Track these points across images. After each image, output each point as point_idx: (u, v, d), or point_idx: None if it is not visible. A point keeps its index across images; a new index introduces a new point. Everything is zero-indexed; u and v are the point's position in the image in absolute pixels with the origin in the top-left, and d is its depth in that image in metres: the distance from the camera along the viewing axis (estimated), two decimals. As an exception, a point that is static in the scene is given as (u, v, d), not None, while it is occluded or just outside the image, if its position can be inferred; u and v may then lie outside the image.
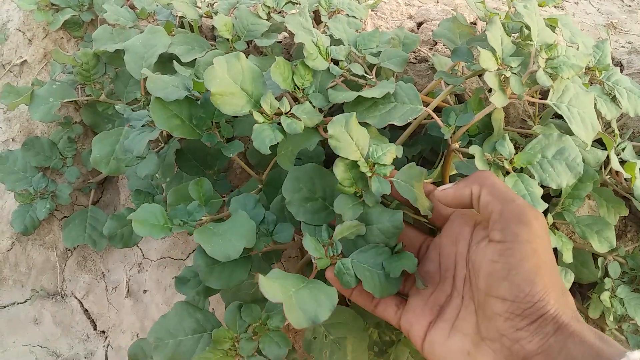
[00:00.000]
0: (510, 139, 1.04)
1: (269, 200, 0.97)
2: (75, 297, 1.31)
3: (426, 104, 0.99)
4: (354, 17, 1.17)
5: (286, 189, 0.82)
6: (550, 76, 0.78)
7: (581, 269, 1.02)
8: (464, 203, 0.68)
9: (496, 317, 0.57)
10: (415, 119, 0.86)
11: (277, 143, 0.81)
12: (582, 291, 1.11)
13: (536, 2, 0.84)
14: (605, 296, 0.94)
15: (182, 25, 1.30)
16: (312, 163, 0.85)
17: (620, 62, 1.49)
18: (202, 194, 0.89)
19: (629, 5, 1.88)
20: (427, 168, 1.04)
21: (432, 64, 1.14)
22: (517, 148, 1.15)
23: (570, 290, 1.12)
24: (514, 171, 0.75)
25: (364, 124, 0.82)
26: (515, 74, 0.76)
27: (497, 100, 0.73)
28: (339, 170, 0.76)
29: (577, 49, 0.93)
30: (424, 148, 1.08)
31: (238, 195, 1.00)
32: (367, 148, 0.77)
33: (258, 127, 0.81)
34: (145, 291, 1.25)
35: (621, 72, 1.47)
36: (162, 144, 1.05)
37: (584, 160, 0.91)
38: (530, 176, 0.75)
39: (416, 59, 1.21)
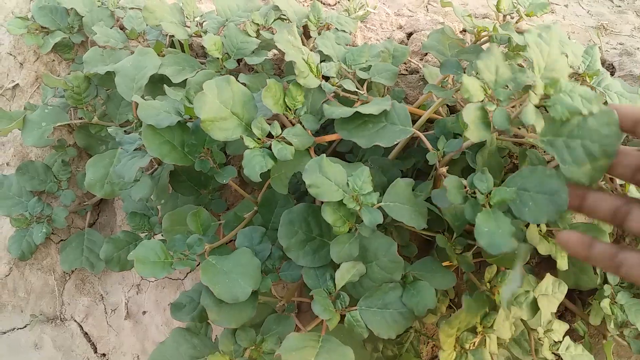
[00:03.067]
0: (503, 149, 1.05)
1: (265, 221, 0.97)
2: (75, 321, 1.31)
3: (417, 117, 0.99)
4: (343, 31, 1.17)
5: (282, 236, 0.82)
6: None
7: (580, 275, 1.01)
8: None
9: None
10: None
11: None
12: (583, 297, 1.10)
13: (558, 29, 0.79)
14: (606, 303, 0.94)
15: (172, 45, 1.30)
16: (303, 203, 0.85)
17: (612, 64, 1.49)
18: (200, 224, 0.89)
19: (619, 6, 1.88)
20: (422, 180, 1.04)
21: (423, 75, 1.14)
22: (512, 157, 1.15)
23: (570, 296, 1.12)
24: (490, 206, 0.71)
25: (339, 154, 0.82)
26: (503, 108, 0.72)
27: (473, 135, 0.69)
28: (328, 214, 0.76)
29: (567, 58, 0.92)
30: (418, 160, 1.08)
31: (233, 216, 1.00)
32: (345, 181, 0.77)
33: (249, 153, 0.81)
34: (144, 312, 1.24)
35: (613, 74, 1.47)
36: (156, 166, 1.05)
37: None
38: (508, 209, 0.72)
39: (407, 70, 1.21)
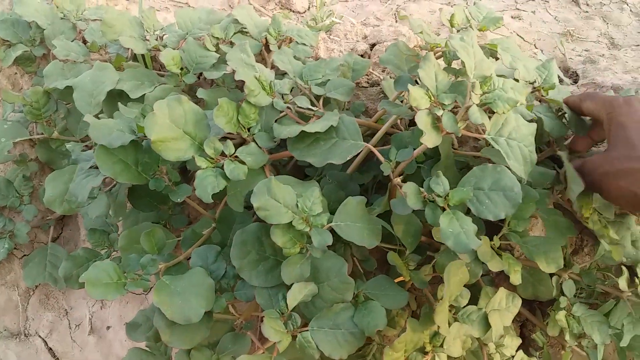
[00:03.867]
0: (461, 162, 1.06)
1: (223, 238, 0.97)
2: (39, 336, 1.30)
3: (375, 131, 1.00)
4: (304, 44, 1.17)
5: (234, 257, 0.82)
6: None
7: (538, 286, 1.02)
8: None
9: None
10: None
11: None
12: (543, 308, 1.11)
13: (474, 33, 0.84)
14: (561, 315, 0.95)
15: (135, 58, 1.29)
16: (257, 223, 0.85)
17: (576, 72, 1.51)
18: (154, 243, 0.88)
19: (586, 12, 1.90)
20: (382, 193, 1.04)
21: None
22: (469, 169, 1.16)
23: (531, 307, 1.13)
24: (449, 208, 0.74)
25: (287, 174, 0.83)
26: (449, 111, 0.76)
27: (428, 140, 0.73)
28: (277, 237, 0.76)
29: (519, 74, 0.93)
30: (378, 173, 1.08)
31: (191, 233, 1.00)
32: (295, 202, 0.77)
33: (201, 173, 0.80)
34: (108, 327, 1.24)
35: (576, 82, 1.48)
36: (115, 182, 1.05)
37: (529, 183, 0.92)
38: (468, 209, 0.75)
39: (368, 82, 1.21)
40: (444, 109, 0.76)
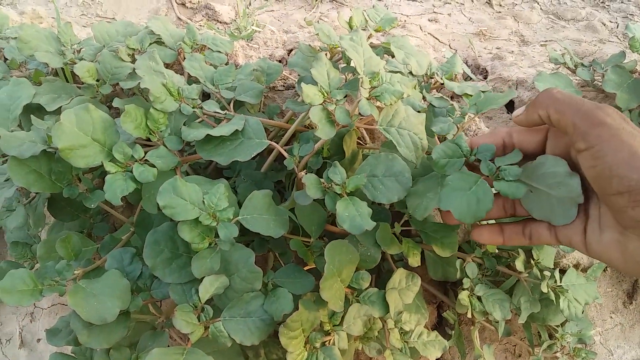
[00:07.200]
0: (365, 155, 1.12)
1: (143, 241, 1.00)
2: (-30, 355, 1.29)
3: (286, 130, 1.05)
4: (219, 51, 1.22)
5: (147, 256, 0.85)
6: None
7: (447, 268, 1.08)
8: (538, 124, 0.71)
9: (624, 209, 0.60)
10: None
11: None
12: (454, 288, 1.19)
13: (363, 34, 0.90)
14: (464, 295, 1.02)
15: (56, 73, 1.30)
16: (168, 222, 0.88)
17: (485, 68, 1.60)
18: (70, 250, 0.90)
19: (499, 12, 2.01)
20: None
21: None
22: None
23: (443, 287, 1.20)
24: (347, 195, 0.80)
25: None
26: (341, 105, 0.82)
27: (322, 133, 0.78)
28: (185, 233, 0.80)
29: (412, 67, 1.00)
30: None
31: (110, 239, 1.02)
32: (201, 199, 0.81)
33: (110, 178, 0.83)
34: (39, 340, 1.24)
35: (486, 77, 1.58)
36: (35, 194, 1.06)
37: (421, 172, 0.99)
38: (363, 196, 0.81)
39: (284, 85, 1.26)
40: (336, 104, 0.82)
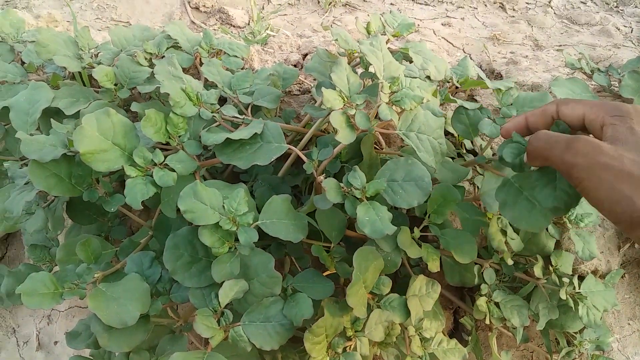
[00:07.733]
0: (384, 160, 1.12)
1: (161, 245, 1.00)
2: (-13, 357, 1.30)
3: (303, 135, 1.05)
4: (235, 56, 1.22)
5: (167, 260, 0.85)
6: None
7: (464, 273, 1.08)
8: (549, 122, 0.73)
9: (626, 233, 0.66)
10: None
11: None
12: (471, 294, 1.18)
13: (383, 38, 0.90)
14: (482, 301, 1.01)
15: (73, 77, 1.31)
16: (188, 226, 0.88)
17: (500, 73, 1.60)
18: (90, 253, 0.91)
19: (513, 16, 2.01)
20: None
21: (313, 95, 1.20)
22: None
23: (460, 293, 1.20)
24: (367, 199, 0.80)
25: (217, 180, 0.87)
26: (361, 110, 0.82)
27: (342, 137, 0.79)
28: (205, 237, 0.80)
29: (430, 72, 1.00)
30: (310, 175, 1.13)
31: (129, 242, 1.03)
32: (221, 204, 0.81)
33: (130, 182, 0.84)
34: (56, 342, 1.25)
35: (500, 82, 1.57)
36: (53, 198, 1.07)
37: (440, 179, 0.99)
38: (383, 200, 0.81)
39: (299, 90, 1.27)
40: (356, 109, 0.83)
